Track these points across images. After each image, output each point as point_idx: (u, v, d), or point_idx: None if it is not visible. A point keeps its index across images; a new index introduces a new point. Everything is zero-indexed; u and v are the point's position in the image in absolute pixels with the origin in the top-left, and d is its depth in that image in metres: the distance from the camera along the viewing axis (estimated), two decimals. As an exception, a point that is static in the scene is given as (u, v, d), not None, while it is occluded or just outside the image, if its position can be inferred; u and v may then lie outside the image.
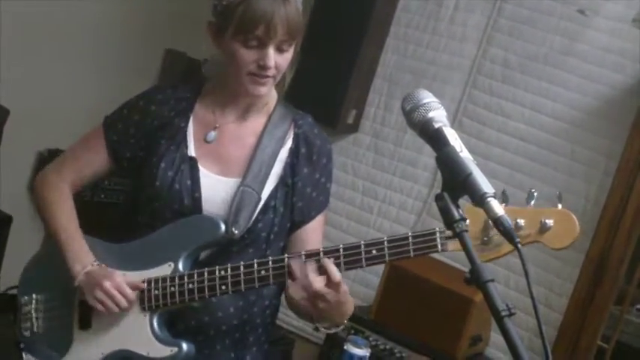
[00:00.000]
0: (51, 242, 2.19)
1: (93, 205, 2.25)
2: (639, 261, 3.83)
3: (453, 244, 1.77)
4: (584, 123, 3.88)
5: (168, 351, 2.01)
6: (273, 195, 2.08)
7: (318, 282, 1.88)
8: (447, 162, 1.52)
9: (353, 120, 4.34)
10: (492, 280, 1.42)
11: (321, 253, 1.91)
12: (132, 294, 2.03)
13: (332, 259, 1.90)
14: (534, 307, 1.35)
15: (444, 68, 4.22)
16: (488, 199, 1.43)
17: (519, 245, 1.39)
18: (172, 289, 2.00)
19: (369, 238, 4.43)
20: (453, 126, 1.61)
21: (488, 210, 1.42)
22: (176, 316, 2.07)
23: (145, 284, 2.04)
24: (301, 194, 2.12)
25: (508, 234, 1.40)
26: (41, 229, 4.15)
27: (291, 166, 2.11)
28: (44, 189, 2.22)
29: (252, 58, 1.98)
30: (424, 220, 4.21)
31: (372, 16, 4.19)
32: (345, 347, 2.33)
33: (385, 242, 1.87)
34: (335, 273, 1.89)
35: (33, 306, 2.21)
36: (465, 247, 1.44)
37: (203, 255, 2.08)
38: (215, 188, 2.07)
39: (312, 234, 2.16)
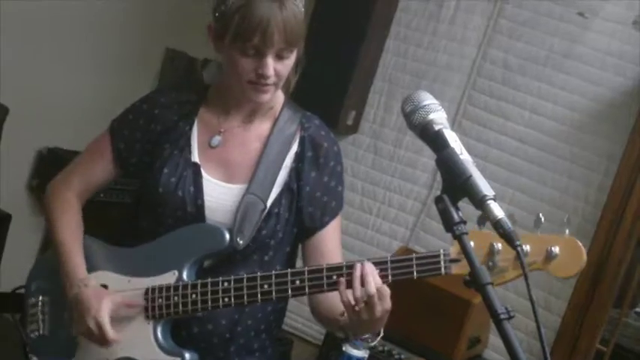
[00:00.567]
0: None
1: (92, 204, 2.24)
2: (638, 263, 3.82)
3: (457, 268, 1.76)
4: (584, 125, 3.88)
5: None
6: (277, 202, 2.04)
7: (372, 285, 1.83)
8: (447, 164, 1.52)
9: (352, 121, 4.34)
10: (491, 283, 1.42)
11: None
12: (111, 334, 1.99)
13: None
14: (534, 310, 1.34)
15: (443, 69, 4.22)
16: (488, 201, 1.43)
17: (519, 249, 1.38)
18: (176, 299, 1.98)
19: (367, 239, 4.45)
20: (452, 127, 1.61)
21: (488, 212, 1.42)
22: (179, 324, 2.05)
23: (150, 293, 2.01)
24: (310, 199, 2.08)
25: (508, 236, 1.40)
26: (40, 228, 4.16)
27: (296, 171, 2.07)
28: (51, 199, 2.21)
29: (250, 66, 1.94)
30: (423, 221, 4.21)
31: (372, 17, 4.18)
32: (344, 349, 2.33)
33: (389, 262, 1.85)
34: (380, 283, 1.85)
35: (40, 308, 2.19)
36: (464, 249, 1.44)
37: (207, 262, 2.05)
38: (219, 195, 2.04)
39: (329, 240, 2.12)
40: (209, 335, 2.07)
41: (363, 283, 1.83)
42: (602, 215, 3.72)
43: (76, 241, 2.15)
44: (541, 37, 3.98)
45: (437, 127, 1.57)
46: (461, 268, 1.72)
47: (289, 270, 1.92)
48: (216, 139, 2.08)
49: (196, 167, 2.06)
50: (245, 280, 1.93)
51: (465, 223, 1.48)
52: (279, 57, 1.94)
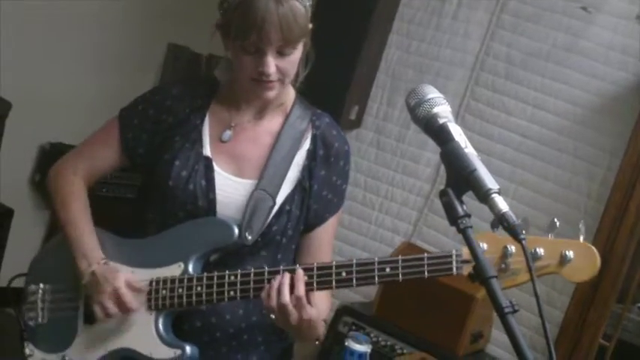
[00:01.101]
0: (62, 234, 2.16)
1: (95, 198, 2.23)
2: (641, 259, 3.82)
3: (469, 268, 1.75)
4: (586, 120, 3.88)
5: (171, 353, 1.98)
6: (289, 199, 2.05)
7: (286, 296, 1.86)
8: (452, 158, 1.51)
9: (355, 116, 4.34)
10: (496, 277, 1.42)
11: (333, 265, 1.89)
12: (129, 297, 1.99)
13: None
14: (538, 305, 1.34)
15: (446, 64, 4.21)
16: (493, 195, 1.43)
17: (524, 242, 1.38)
18: (180, 290, 1.97)
19: (370, 234, 4.45)
20: (455, 122, 1.60)
21: (492, 206, 1.41)
22: (182, 316, 2.05)
23: (154, 284, 2.01)
24: (317, 197, 2.09)
25: (512, 230, 1.39)
26: (43, 222, 4.17)
27: (309, 169, 2.07)
28: (58, 182, 2.19)
29: (252, 64, 1.94)
30: (426, 216, 4.21)
31: (375, 11, 4.18)
32: (347, 343, 2.33)
33: (400, 261, 1.84)
34: (299, 288, 1.87)
35: (39, 296, 2.18)
36: (468, 242, 1.43)
37: (213, 257, 2.05)
38: (230, 190, 2.04)
39: (325, 235, 2.14)
40: (212, 329, 2.06)
41: (278, 293, 1.87)
42: (605, 210, 3.72)
43: (88, 222, 2.13)
44: (544, 31, 3.98)
45: (441, 121, 1.56)
46: (472, 269, 1.71)
47: (298, 265, 1.92)
48: (227, 134, 2.08)
49: (208, 161, 2.05)
50: (252, 274, 1.93)
51: (469, 216, 1.47)
52: (281, 54, 1.94)
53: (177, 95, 2.11)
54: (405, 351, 3.68)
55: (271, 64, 1.92)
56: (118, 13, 4.37)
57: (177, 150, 2.06)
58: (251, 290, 1.92)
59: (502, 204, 1.41)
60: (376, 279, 1.86)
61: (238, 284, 1.93)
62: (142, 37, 4.55)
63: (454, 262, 1.78)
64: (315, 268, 1.89)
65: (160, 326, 2.01)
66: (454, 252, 1.78)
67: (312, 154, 2.08)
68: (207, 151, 2.06)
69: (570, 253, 1.68)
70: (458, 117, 4.11)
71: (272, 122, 2.10)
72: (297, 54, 1.98)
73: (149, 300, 2.01)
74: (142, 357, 2.01)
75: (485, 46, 4.12)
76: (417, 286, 3.67)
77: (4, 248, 3.85)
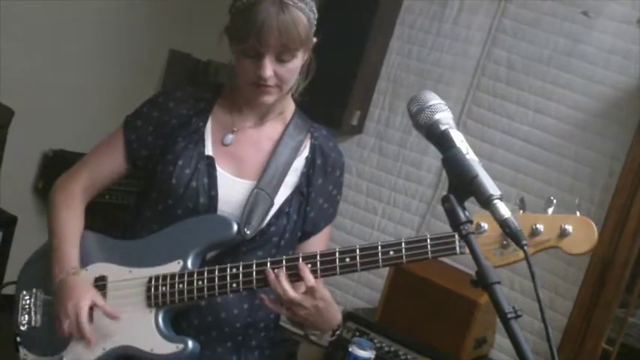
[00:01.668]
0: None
1: (97, 206, 2.24)
2: (644, 263, 3.82)
3: None
4: (588, 124, 3.88)
5: (173, 347, 1.99)
6: (288, 202, 2.09)
7: (290, 290, 1.90)
8: (454, 164, 1.52)
9: (357, 121, 4.34)
10: (498, 283, 1.42)
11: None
12: (87, 326, 2.00)
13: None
14: (541, 310, 1.34)
15: (448, 69, 4.22)
16: (495, 201, 1.43)
17: (526, 247, 1.38)
18: (181, 286, 2.00)
19: (373, 239, 4.47)
20: (457, 127, 1.61)
21: (494, 212, 1.42)
22: (179, 315, 2.07)
23: (153, 281, 2.03)
24: (314, 205, 2.14)
25: (514, 236, 1.40)
26: (46, 229, 4.17)
27: (307, 176, 2.13)
28: (55, 192, 2.23)
29: (250, 68, 1.98)
30: (428, 221, 4.21)
31: (376, 17, 4.19)
32: (350, 349, 2.33)
33: (403, 244, 1.87)
34: (309, 279, 1.90)
35: (32, 300, 2.19)
36: (471, 249, 1.44)
37: (210, 255, 2.07)
38: (230, 188, 2.08)
39: (319, 244, 2.17)
40: (209, 328, 2.08)
41: (282, 291, 1.91)
42: (607, 215, 3.71)
43: (73, 234, 2.15)
44: (545, 36, 3.98)
45: (443, 127, 1.57)
46: None
47: (301, 254, 1.95)
48: (230, 138, 2.12)
49: (210, 160, 2.09)
50: (255, 265, 1.95)
51: (471, 222, 1.48)
52: (280, 60, 1.98)
53: (181, 98, 2.15)
54: (408, 357, 3.68)
55: (268, 67, 1.96)
56: (120, 19, 4.38)
57: (180, 150, 2.09)
58: (254, 281, 1.95)
59: (504, 210, 1.42)
60: (380, 262, 1.89)
61: (241, 276, 1.95)
62: (144, 44, 4.56)
63: (457, 242, 1.82)
64: (318, 256, 1.92)
65: (160, 322, 2.03)
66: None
67: (310, 162, 2.14)
68: (209, 151, 2.10)
69: (569, 227, 1.77)
70: (459, 122, 4.11)
71: (272, 129, 2.14)
72: (295, 62, 2.01)
73: (148, 297, 2.03)
74: (143, 353, 2.01)
75: (487, 51, 4.13)
76: (420, 292, 3.68)
77: (7, 255, 3.86)
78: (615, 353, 3.84)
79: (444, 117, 1.59)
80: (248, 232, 2.03)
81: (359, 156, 4.41)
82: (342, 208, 4.28)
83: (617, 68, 3.82)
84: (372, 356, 2.34)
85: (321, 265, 1.92)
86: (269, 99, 2.03)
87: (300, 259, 1.93)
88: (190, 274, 2.00)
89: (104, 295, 2.07)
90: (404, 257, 1.87)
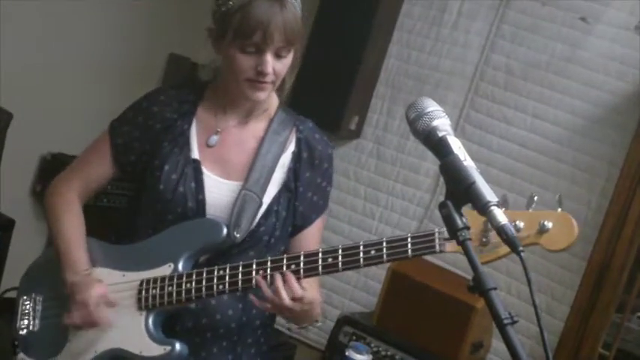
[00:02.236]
0: (53, 247, 2.20)
1: (96, 209, 2.25)
2: (641, 268, 3.83)
3: (451, 246, 1.76)
4: (586, 130, 3.89)
5: (161, 350, 2.00)
6: (276, 200, 2.10)
7: (287, 299, 1.92)
8: (451, 170, 1.53)
9: (355, 126, 4.35)
10: (495, 288, 1.42)
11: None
12: (96, 312, 2.04)
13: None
14: (537, 315, 1.35)
15: (446, 74, 4.23)
16: (492, 207, 1.44)
17: (522, 253, 1.39)
18: (170, 288, 2.01)
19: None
20: (455, 132, 1.62)
21: (491, 218, 1.43)
22: (174, 318, 2.08)
23: (144, 284, 2.04)
24: (303, 198, 2.14)
25: (511, 242, 1.41)
26: (43, 233, 4.16)
27: (294, 171, 2.13)
28: (51, 198, 2.23)
29: (250, 64, 1.99)
30: (426, 226, 4.21)
31: (374, 21, 4.19)
32: (347, 353, 2.34)
33: (384, 243, 1.87)
34: (297, 290, 1.92)
35: (32, 305, 2.21)
36: (468, 255, 1.44)
37: (203, 257, 2.08)
38: (218, 191, 2.09)
39: (312, 238, 2.18)
40: (203, 329, 2.10)
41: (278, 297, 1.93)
42: (604, 220, 3.72)
43: (79, 236, 2.17)
44: (543, 42, 3.99)
45: (440, 134, 1.58)
46: (455, 246, 1.72)
47: (285, 255, 1.96)
48: (214, 139, 2.13)
49: (197, 163, 2.10)
50: (241, 267, 1.96)
51: (468, 228, 1.49)
52: (278, 56, 2.00)
53: (164, 101, 2.16)
54: (405, 361, 3.68)
55: (270, 63, 1.99)
56: (119, 23, 4.38)
57: (166, 155, 2.10)
58: (239, 282, 1.96)
59: (501, 216, 1.43)
60: (361, 262, 1.89)
61: (227, 277, 1.97)
62: (143, 48, 4.56)
63: (437, 240, 1.81)
64: (302, 256, 1.93)
65: (150, 325, 2.04)
66: (437, 230, 1.81)
67: (297, 157, 2.14)
68: (195, 154, 2.11)
69: (548, 223, 1.72)
70: (457, 127, 4.12)
71: (257, 127, 2.15)
72: (290, 58, 2.04)
73: (139, 300, 2.05)
74: (132, 356, 2.03)
75: (485, 56, 4.14)
76: (417, 296, 3.68)
77: (5, 258, 3.85)
78: (612, 358, 3.85)
79: (442, 124, 1.59)
80: (238, 235, 2.03)
81: (357, 161, 4.41)
82: (339, 212, 4.34)
83: (615, 74, 3.83)
84: (369, 360, 2.35)
85: (304, 265, 1.93)
86: (263, 95, 2.05)
87: (285, 260, 1.94)
88: (180, 277, 2.01)
89: None
90: (384, 256, 1.86)
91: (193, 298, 2.00)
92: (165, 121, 2.13)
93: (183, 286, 2.00)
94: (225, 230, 2.02)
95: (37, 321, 2.20)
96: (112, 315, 2.06)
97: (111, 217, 3.69)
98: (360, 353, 2.34)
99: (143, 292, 2.04)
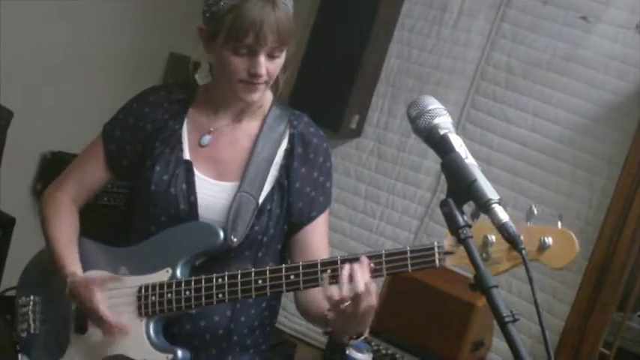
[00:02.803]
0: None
1: (96, 208, 2.25)
2: (642, 267, 3.83)
3: (451, 260, 1.76)
4: (587, 129, 3.88)
5: (163, 358, 2.00)
6: (269, 198, 2.07)
7: (360, 283, 1.81)
8: (452, 168, 1.52)
9: (356, 125, 4.34)
10: (496, 286, 1.43)
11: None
12: (111, 319, 2.02)
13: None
14: (538, 314, 1.35)
15: (447, 73, 4.23)
16: (493, 205, 1.44)
17: (524, 252, 1.39)
18: (169, 295, 1.99)
19: (371, 242, 4.46)
20: (456, 131, 1.62)
21: (492, 216, 1.43)
22: (172, 321, 2.07)
23: (143, 290, 2.03)
24: (300, 194, 2.10)
25: (513, 240, 1.41)
26: (44, 231, 4.14)
27: (286, 167, 2.10)
28: (46, 204, 2.23)
29: (242, 66, 1.97)
30: (427, 224, 4.22)
31: (375, 20, 4.19)
32: (347, 352, 2.34)
33: (383, 256, 1.84)
34: (367, 275, 1.82)
35: (31, 307, 2.20)
36: (469, 253, 1.45)
37: (199, 260, 2.07)
38: (211, 192, 2.06)
39: (315, 235, 2.14)
40: (202, 332, 2.08)
41: (351, 280, 1.82)
42: (605, 219, 3.72)
43: (70, 239, 2.16)
44: (544, 41, 3.99)
45: (442, 132, 1.58)
46: (455, 260, 1.73)
47: (284, 265, 1.93)
48: (206, 139, 2.11)
49: (188, 164, 2.08)
50: (239, 275, 1.94)
51: (469, 226, 1.49)
52: (271, 56, 1.98)
53: (155, 102, 2.14)
54: (405, 359, 3.68)
55: (264, 65, 1.96)
56: (119, 22, 4.38)
57: (158, 156, 2.09)
58: (239, 292, 1.94)
59: (502, 214, 1.43)
60: None
61: (226, 286, 1.95)
62: (143, 47, 4.55)
63: (436, 255, 1.78)
64: (300, 267, 1.90)
65: (151, 332, 2.03)
66: (436, 244, 1.78)
67: (289, 153, 2.10)
68: (186, 155, 2.09)
69: (549, 240, 1.69)
70: (458, 126, 4.12)
71: (250, 125, 2.12)
72: (283, 57, 2.01)
73: (139, 307, 2.03)
74: None
75: (486, 55, 4.13)
76: (417, 295, 3.68)
77: (5, 257, 3.85)
78: (612, 356, 3.85)
79: (444, 121, 1.59)
80: (235, 239, 2.01)
81: (357, 159, 4.41)
82: (340, 210, 4.34)
83: (616, 73, 3.82)
84: (369, 359, 2.35)
85: (303, 276, 1.89)
86: (257, 96, 2.03)
87: (284, 270, 1.90)
88: (178, 284, 1.99)
89: None
90: (384, 270, 1.83)
91: (193, 306, 1.99)
92: (157, 122, 2.12)
93: (183, 294, 1.98)
94: (222, 235, 2.00)
95: (37, 323, 2.19)
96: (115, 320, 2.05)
97: (111, 216, 3.69)
98: (361, 352, 2.34)
99: (142, 298, 2.03)
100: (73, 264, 2.11)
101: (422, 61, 4.30)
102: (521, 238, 1.66)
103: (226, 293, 1.95)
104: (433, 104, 1.62)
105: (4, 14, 3.81)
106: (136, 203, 2.13)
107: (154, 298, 2.01)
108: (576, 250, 1.69)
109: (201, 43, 2.04)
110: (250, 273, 1.93)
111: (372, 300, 1.85)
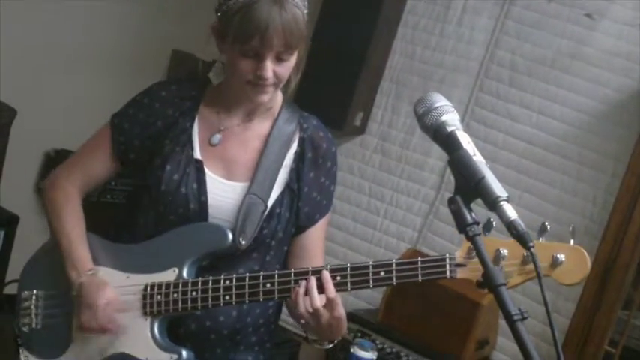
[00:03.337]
0: (53, 241, 2.17)
1: (100, 205, 2.24)
2: (646, 265, 3.82)
3: (462, 272, 1.76)
4: (591, 126, 3.88)
5: (167, 358, 1.99)
6: (278, 202, 2.06)
7: (317, 300, 1.88)
8: (460, 165, 1.52)
9: (360, 122, 4.34)
10: (504, 284, 1.42)
11: (328, 269, 1.90)
12: (105, 320, 2.02)
13: (337, 277, 1.89)
14: (547, 311, 1.34)
15: (451, 71, 4.22)
16: (501, 202, 1.43)
17: (533, 249, 1.38)
18: (175, 295, 1.99)
19: (375, 240, 4.44)
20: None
21: (501, 214, 1.42)
22: (177, 320, 2.06)
23: (149, 289, 2.02)
24: (307, 199, 2.10)
25: (521, 237, 1.40)
26: (47, 229, 4.16)
27: (296, 171, 2.09)
28: (52, 192, 2.20)
29: (249, 67, 1.94)
30: (430, 222, 4.21)
31: (379, 18, 4.19)
32: (352, 350, 2.33)
33: (394, 265, 1.86)
34: (331, 289, 1.88)
35: (33, 301, 2.18)
36: (477, 250, 1.44)
37: (205, 261, 2.06)
38: (221, 193, 2.05)
39: (315, 237, 2.15)
40: (207, 331, 2.07)
41: (306, 294, 1.88)
42: (610, 217, 3.71)
43: (81, 232, 2.14)
44: (548, 38, 3.98)
45: (450, 129, 1.57)
46: (466, 273, 1.73)
47: (293, 270, 1.94)
48: (217, 137, 2.09)
49: (199, 164, 2.06)
50: (247, 278, 1.94)
51: (477, 224, 1.48)
52: (279, 59, 1.95)
53: (166, 97, 2.12)
54: (410, 358, 3.67)
55: (269, 68, 1.94)
56: (123, 19, 4.38)
57: (168, 154, 2.07)
58: (246, 295, 1.94)
59: (510, 211, 1.42)
60: (371, 283, 1.87)
61: (234, 289, 1.94)
62: (147, 44, 4.55)
63: (448, 266, 1.80)
64: (310, 272, 1.90)
65: (156, 331, 2.02)
66: (447, 255, 1.80)
67: (299, 157, 2.10)
68: (197, 154, 2.07)
69: (561, 256, 1.70)
70: (463, 123, 4.09)
71: (261, 126, 2.11)
72: (292, 60, 1.99)
73: (144, 305, 2.02)
74: None
75: (490, 52, 4.13)
76: (422, 293, 3.67)
77: (9, 254, 3.85)
78: (618, 355, 3.84)
79: (451, 119, 1.59)
80: (243, 241, 2.00)
81: (361, 157, 4.41)
82: (344, 208, 4.33)
83: (620, 70, 3.81)
84: (374, 357, 2.35)
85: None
86: (265, 97, 2.01)
87: (293, 275, 1.91)
88: (185, 284, 1.98)
89: None
90: (394, 279, 1.86)
91: (199, 307, 1.98)
92: (167, 118, 2.09)
93: (189, 294, 1.97)
94: (230, 237, 2.00)
95: (39, 318, 2.18)
96: (119, 319, 2.04)
97: (115, 214, 3.69)
98: (366, 350, 2.33)
99: (148, 297, 2.02)
100: (88, 260, 2.09)
101: (426, 58, 4.29)
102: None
103: (233, 295, 1.94)
104: (440, 101, 1.61)
105: (7, 12, 3.81)
106: (143, 201, 2.12)
107: (159, 297, 2.00)
108: (588, 267, 1.70)
109: (215, 41, 2.03)
110: (259, 276, 1.93)
111: (337, 312, 1.89)
